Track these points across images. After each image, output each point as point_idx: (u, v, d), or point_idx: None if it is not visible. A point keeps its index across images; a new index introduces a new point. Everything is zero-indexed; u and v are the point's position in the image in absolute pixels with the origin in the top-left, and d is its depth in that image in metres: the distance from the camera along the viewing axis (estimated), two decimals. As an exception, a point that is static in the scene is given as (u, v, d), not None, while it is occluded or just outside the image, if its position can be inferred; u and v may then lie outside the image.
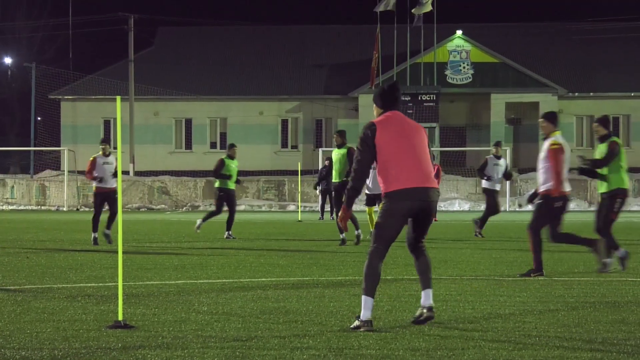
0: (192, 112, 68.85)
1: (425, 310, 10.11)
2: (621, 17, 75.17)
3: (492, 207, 26.70)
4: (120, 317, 10.11)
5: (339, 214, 10.46)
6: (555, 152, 15.36)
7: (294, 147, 67.28)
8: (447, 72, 65.95)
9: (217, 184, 26.27)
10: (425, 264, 10.32)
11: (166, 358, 8.40)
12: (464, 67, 66.13)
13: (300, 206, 43.90)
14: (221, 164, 26.12)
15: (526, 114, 67.18)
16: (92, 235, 23.44)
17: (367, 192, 24.35)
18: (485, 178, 27.04)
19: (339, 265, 17.69)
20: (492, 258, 19.52)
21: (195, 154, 68.11)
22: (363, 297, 9.92)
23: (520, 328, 10.07)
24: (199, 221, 26.38)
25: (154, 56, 73.57)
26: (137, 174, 63.18)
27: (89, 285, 14.29)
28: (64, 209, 58.28)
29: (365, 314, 9.89)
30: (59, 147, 67.60)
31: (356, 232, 23.55)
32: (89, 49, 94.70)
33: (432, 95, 63.11)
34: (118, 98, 10.62)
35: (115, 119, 66.98)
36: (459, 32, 66.17)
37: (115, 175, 23.48)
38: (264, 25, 79.49)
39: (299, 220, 36.03)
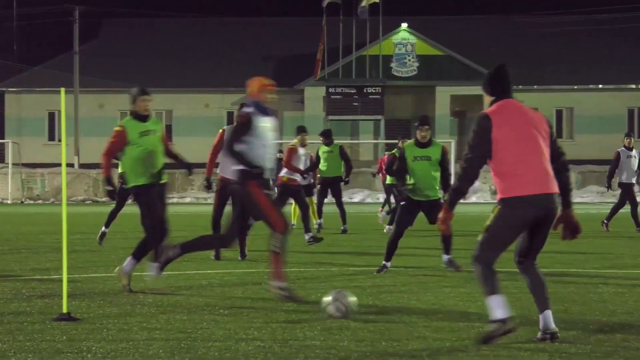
0: (137, 104, 68.48)
1: (548, 337, 8.73)
2: (566, 10, 75.66)
3: None
4: (65, 310, 10.07)
5: (441, 217, 8.93)
6: None
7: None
8: (393, 65, 66.07)
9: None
10: (541, 282, 8.92)
11: (111, 350, 8.38)
12: (409, 60, 66.30)
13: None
14: None
15: (471, 107, 67.47)
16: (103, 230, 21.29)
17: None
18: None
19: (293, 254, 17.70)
20: (439, 249, 19.61)
21: (141, 147, 67.72)
22: (488, 299, 8.70)
23: (464, 318, 10.14)
24: None
25: (99, 48, 73.15)
26: (82, 166, 62.79)
27: (34, 278, 14.22)
28: (8, 201, 57.82)
29: (498, 313, 8.61)
30: (3, 139, 67.04)
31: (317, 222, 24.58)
32: (34, 40, 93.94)
33: (377, 88, 63.16)
34: (62, 90, 10.58)
35: (60, 111, 66.53)
36: (404, 25, 66.31)
37: None
38: (209, 18, 79.24)
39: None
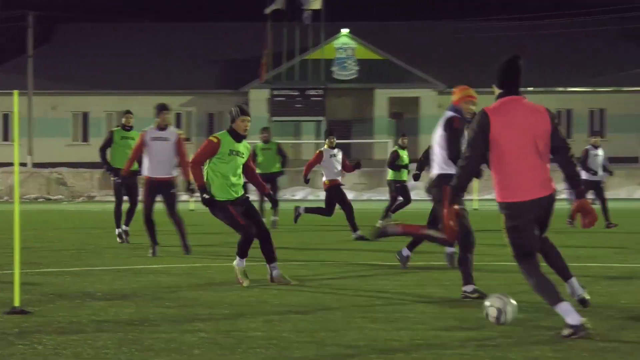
0: (89, 106, 68.16)
1: (579, 302, 8.75)
2: (497, 17, 76.10)
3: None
4: (17, 303, 10.00)
5: (445, 214, 8.61)
6: None
7: (188, 139, 66.94)
8: (334, 69, 66.15)
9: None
10: (557, 255, 9.06)
11: (61, 342, 8.34)
12: (349, 64, 66.42)
13: (194, 197, 43.79)
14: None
15: (408, 108, 67.72)
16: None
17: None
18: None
19: (229, 252, 17.68)
20: (375, 243, 19.66)
21: (92, 147, 67.17)
22: (556, 308, 8.32)
23: (399, 310, 10.18)
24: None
25: (52, 52, 72.59)
26: (36, 165, 62.27)
27: (-13, 273, 14.10)
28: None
29: (571, 319, 8.24)
30: (-41, 139, 66.35)
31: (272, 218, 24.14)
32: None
33: (319, 91, 63.25)
34: (16, 93, 10.49)
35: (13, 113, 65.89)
36: (345, 31, 66.41)
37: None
38: (159, 23, 78.86)
39: (192, 210, 35.88)
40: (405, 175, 26.15)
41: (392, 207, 26.07)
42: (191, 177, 14.33)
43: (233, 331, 8.88)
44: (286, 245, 18.97)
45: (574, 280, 8.81)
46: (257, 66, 65.18)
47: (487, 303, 8.81)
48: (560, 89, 67.65)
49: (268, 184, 25.70)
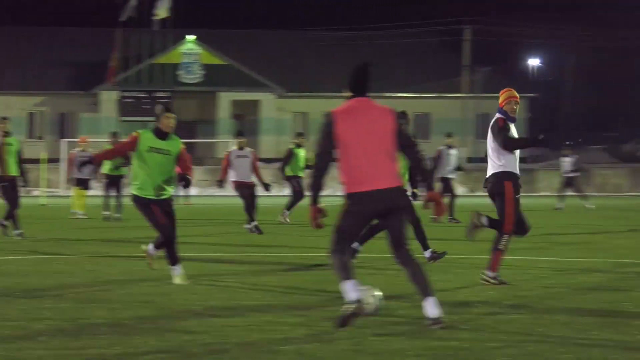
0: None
1: (431, 323, 8.24)
2: (333, 27, 76.71)
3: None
4: None
5: (311, 215, 8.40)
6: None
7: (40, 138, 65.62)
8: (180, 73, 65.75)
9: None
10: (416, 270, 8.40)
11: None
12: (195, 68, 66.11)
13: (45, 192, 43.09)
14: None
15: (249, 110, 67.78)
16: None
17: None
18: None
19: (79, 242, 17.44)
20: (215, 237, 19.67)
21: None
22: (343, 284, 8.20)
23: (235, 297, 10.19)
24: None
25: None
26: None
27: None
28: None
29: (352, 295, 8.14)
30: None
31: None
32: None
33: (166, 93, 62.82)
34: None
35: None
36: (191, 37, 66.07)
37: None
38: (13, 26, 76.99)
39: (43, 204, 35.21)
40: (301, 171, 25.54)
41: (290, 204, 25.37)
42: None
43: (78, 319, 8.76)
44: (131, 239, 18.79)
45: (430, 300, 8.25)
46: (106, 69, 64.29)
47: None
48: (389, 94, 68.63)
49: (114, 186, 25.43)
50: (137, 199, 11.53)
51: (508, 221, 11.38)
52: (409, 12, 79.79)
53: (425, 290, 8.32)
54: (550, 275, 12.49)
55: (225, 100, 66.51)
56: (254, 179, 21.39)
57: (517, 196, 11.44)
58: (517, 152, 11.75)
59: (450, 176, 25.68)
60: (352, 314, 8.11)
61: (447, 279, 12.03)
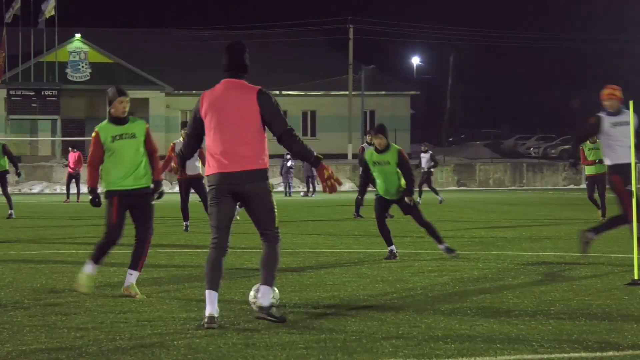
0: None
1: (258, 311, 8.21)
2: (219, 25, 76.48)
3: None
4: None
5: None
6: None
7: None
8: (68, 71, 64.74)
9: None
10: (266, 256, 8.26)
11: None
12: (82, 67, 65.19)
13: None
14: None
15: (138, 108, 67.11)
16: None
17: None
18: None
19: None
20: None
21: None
22: (206, 292, 8.14)
23: (126, 295, 10.09)
24: None
25: None
26: None
27: None
28: None
29: (208, 309, 8.08)
30: None
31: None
32: None
33: (54, 91, 61.81)
34: None
35: None
36: (77, 36, 65.13)
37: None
38: None
39: None
40: None
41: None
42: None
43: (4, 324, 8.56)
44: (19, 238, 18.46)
45: (266, 288, 8.19)
46: (-5, 67, 63.00)
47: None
48: (276, 92, 68.71)
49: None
50: (107, 195, 10.21)
51: (628, 210, 11.68)
52: (296, 11, 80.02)
53: (267, 278, 8.21)
54: (435, 268, 12.64)
55: (114, 98, 65.77)
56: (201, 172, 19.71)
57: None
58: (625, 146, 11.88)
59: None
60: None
61: (335, 272, 12.09)
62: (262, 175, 8.22)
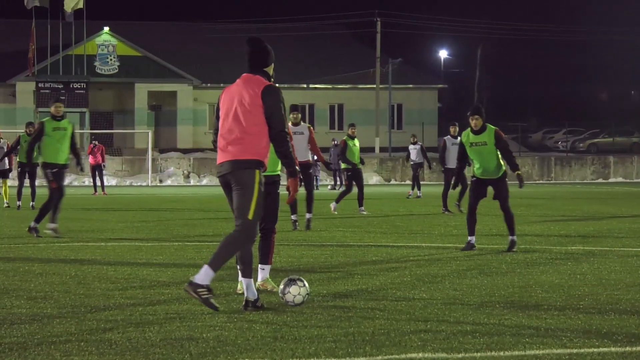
0: None
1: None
2: (246, 19, 76.56)
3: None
4: None
5: None
6: None
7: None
8: (96, 64, 65.00)
9: None
10: (222, 240, 8.50)
11: None
12: (110, 60, 65.43)
13: None
14: None
15: (166, 101, 67.32)
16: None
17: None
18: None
19: (-5, 235, 17.20)
20: (134, 226, 19.50)
21: None
22: (246, 279, 8.56)
23: (155, 285, 10.14)
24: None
25: None
26: None
27: None
28: None
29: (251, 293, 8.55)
30: None
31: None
32: None
33: (82, 84, 62.04)
34: None
35: None
36: (106, 29, 65.35)
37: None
38: None
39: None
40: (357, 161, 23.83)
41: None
42: None
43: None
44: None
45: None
46: (23, 60, 63.33)
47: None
48: (304, 85, 68.71)
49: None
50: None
51: None
52: (323, 4, 80.00)
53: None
54: (463, 262, 12.62)
55: (142, 91, 65.97)
56: (310, 157, 19.07)
57: None
58: None
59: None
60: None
61: (363, 266, 12.10)
62: (248, 165, 8.39)
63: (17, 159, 26.88)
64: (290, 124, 17.82)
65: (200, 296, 8.25)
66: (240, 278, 9.13)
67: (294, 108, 18.20)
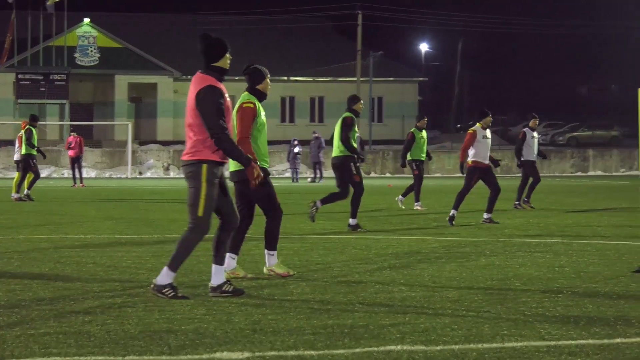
0: None
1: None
2: (227, 11, 76.40)
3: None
4: None
5: None
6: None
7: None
8: (77, 55, 64.80)
9: None
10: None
11: None
12: (91, 51, 65.24)
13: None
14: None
15: (146, 93, 67.18)
16: None
17: None
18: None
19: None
20: (114, 218, 19.46)
21: None
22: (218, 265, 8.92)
23: (134, 277, 10.12)
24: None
25: None
26: None
27: None
28: None
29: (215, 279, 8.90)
30: None
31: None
32: None
33: (62, 75, 61.80)
34: None
35: None
36: (86, 20, 65.15)
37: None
38: None
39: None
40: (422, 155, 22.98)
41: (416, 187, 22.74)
42: None
43: (-24, 301, 8.59)
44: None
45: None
46: (2, 50, 63.05)
47: None
48: (285, 77, 68.66)
49: None
50: None
51: None
52: (304, -3, 79.86)
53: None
54: (442, 255, 12.65)
55: (122, 83, 65.82)
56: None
57: None
58: None
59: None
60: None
61: (343, 259, 12.11)
62: (194, 163, 8.62)
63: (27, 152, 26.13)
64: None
65: (167, 296, 8.55)
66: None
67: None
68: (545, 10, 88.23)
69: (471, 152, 17.88)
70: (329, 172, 38.90)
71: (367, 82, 67.07)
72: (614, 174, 59.05)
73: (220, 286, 8.81)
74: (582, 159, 60.74)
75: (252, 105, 10.13)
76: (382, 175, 55.35)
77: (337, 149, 16.17)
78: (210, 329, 7.34)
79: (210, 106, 8.54)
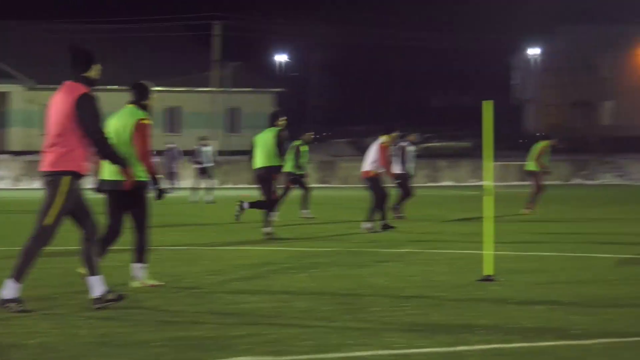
0: None
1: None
2: (80, 18, 75.24)
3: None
4: None
5: None
6: None
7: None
8: None
9: None
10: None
11: None
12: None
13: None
14: None
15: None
16: None
17: None
18: None
19: None
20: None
21: None
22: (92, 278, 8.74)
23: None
24: None
25: None
26: None
27: None
28: None
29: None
30: None
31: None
32: None
33: None
34: None
35: None
36: None
37: None
38: None
39: None
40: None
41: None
42: None
43: None
44: None
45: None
46: None
47: None
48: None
49: None
50: None
51: None
52: (162, 6, 79.27)
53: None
54: (294, 262, 12.70)
55: (-34, 91, 64.21)
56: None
57: None
58: None
59: (207, 166, 26.86)
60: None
61: (194, 270, 12.04)
62: (56, 175, 8.61)
63: None
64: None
65: (12, 310, 8.44)
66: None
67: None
68: (402, 22, 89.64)
69: (375, 163, 18.79)
70: (186, 183, 38.83)
71: (224, 92, 66.91)
72: (464, 184, 60.30)
73: (103, 296, 8.67)
74: (434, 169, 61.76)
75: (150, 122, 10.59)
76: (238, 186, 55.23)
77: (264, 161, 16.72)
78: (56, 343, 7.20)
79: (92, 111, 8.68)
